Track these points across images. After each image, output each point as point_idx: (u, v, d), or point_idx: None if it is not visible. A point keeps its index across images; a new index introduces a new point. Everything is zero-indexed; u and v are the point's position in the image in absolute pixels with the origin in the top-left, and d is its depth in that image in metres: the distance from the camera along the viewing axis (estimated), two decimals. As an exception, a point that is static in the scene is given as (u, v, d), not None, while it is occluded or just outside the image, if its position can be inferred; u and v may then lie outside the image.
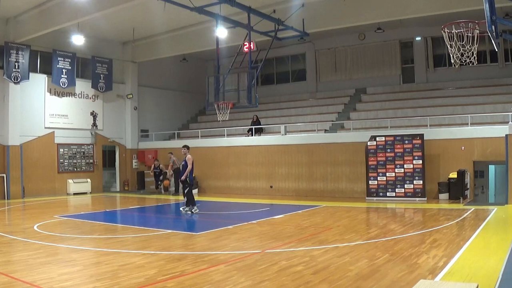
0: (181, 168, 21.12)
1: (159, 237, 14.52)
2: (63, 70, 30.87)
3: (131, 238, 14.41)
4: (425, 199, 23.46)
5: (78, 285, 9.20)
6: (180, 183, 23.62)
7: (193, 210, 20.10)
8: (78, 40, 28.80)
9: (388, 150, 24.47)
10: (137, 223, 17.71)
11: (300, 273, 9.61)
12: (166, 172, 30.76)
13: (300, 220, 17.92)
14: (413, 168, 23.87)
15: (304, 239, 13.64)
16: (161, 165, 31.39)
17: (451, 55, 12.99)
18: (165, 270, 10.09)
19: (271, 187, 28.97)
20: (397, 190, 24.22)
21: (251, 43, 22.97)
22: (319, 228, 15.69)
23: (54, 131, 30.74)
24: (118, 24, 29.63)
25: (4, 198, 27.60)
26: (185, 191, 20.38)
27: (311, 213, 20.10)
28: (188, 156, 20.13)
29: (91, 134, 32.72)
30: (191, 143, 32.36)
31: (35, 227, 16.37)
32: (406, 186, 24.01)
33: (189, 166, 20.04)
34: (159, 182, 31.80)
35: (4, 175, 28.01)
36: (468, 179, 23.04)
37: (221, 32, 24.45)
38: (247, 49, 22.96)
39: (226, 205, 24.68)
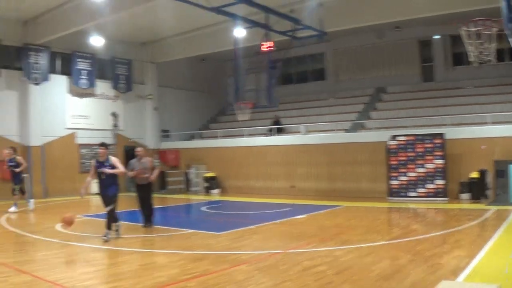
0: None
1: (181, 237, 14.60)
2: (83, 71, 31.09)
3: (152, 237, 14.53)
4: (447, 199, 23.25)
5: (100, 284, 9.31)
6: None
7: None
8: (97, 41, 28.94)
9: (409, 150, 24.33)
10: (159, 222, 17.73)
11: (323, 273, 9.60)
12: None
13: (322, 220, 17.90)
14: (434, 167, 23.70)
15: (326, 239, 13.64)
16: (18, 157, 22.64)
17: (469, 54, 12.95)
18: (187, 269, 10.13)
19: (292, 187, 28.88)
20: (418, 190, 24.04)
21: (270, 43, 22.96)
22: (341, 228, 15.67)
23: (75, 132, 30.93)
24: (137, 25, 29.67)
25: (27, 198, 27.79)
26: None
27: (332, 213, 20.07)
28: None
29: (112, 134, 32.85)
30: (211, 143, 32.53)
31: (57, 227, 16.48)
32: (427, 186, 23.84)
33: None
34: (17, 184, 22.43)
35: (26, 175, 28.21)
36: (489, 178, 22.92)
37: (239, 32, 24.46)
38: (265, 49, 22.95)
39: (247, 205, 24.68)
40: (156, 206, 23.05)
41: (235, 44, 23.59)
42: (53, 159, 29.16)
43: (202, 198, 28.29)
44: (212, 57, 36.64)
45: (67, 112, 30.80)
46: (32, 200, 23.46)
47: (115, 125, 33.13)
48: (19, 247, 13.49)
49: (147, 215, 16.70)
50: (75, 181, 30.04)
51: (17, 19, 28.22)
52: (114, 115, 33.15)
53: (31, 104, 28.64)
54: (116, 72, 33.29)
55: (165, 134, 36.17)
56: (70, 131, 30.75)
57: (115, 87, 33.31)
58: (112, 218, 14.16)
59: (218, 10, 20.75)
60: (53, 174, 29.16)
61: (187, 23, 29.62)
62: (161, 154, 34.70)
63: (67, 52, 30.73)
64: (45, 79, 29.09)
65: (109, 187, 14.16)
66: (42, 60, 28.86)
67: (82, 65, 31.08)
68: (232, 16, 21.92)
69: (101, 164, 14.25)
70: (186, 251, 12.07)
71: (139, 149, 17.00)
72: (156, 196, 28.45)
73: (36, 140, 28.67)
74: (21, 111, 28.74)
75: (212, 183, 31.14)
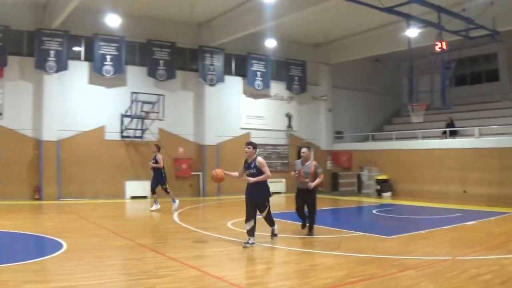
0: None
1: (351, 239, 14.44)
2: (258, 72, 31.84)
3: (322, 238, 14.45)
4: None
5: (267, 282, 9.42)
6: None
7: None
8: (271, 43, 29.55)
9: None
10: (330, 224, 17.72)
11: (488, 282, 9.19)
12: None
13: (491, 227, 17.11)
14: None
15: (494, 247, 13.06)
16: (158, 155, 21.75)
17: None
18: (354, 272, 10.00)
19: (464, 192, 27.98)
20: None
21: (442, 42, 22.39)
22: (510, 236, 15.01)
23: (250, 132, 31.62)
24: (310, 26, 29.86)
25: (200, 196, 28.74)
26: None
27: (503, 220, 19.16)
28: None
29: (286, 135, 33.25)
30: (384, 145, 31.98)
31: (228, 224, 16.91)
32: None
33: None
34: (161, 183, 21.65)
35: (201, 173, 29.19)
36: None
37: (412, 32, 24.03)
38: (438, 49, 22.40)
39: (418, 209, 24.04)
40: (328, 207, 23.08)
41: (408, 45, 23.18)
42: (228, 158, 29.75)
43: (373, 200, 28.04)
44: (385, 57, 36.12)
45: (241, 113, 31.66)
46: (177, 201, 21.88)
47: (289, 126, 33.54)
48: (189, 243, 13.84)
49: (307, 221, 15.06)
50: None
51: (192, 22, 29.51)
52: (289, 116, 33.57)
53: (207, 104, 29.78)
54: (290, 73, 33.75)
55: (338, 135, 36.18)
56: (245, 131, 31.48)
57: (289, 88, 33.75)
58: (269, 222, 13.62)
59: (390, 10, 20.50)
60: (228, 173, 29.72)
61: (360, 24, 29.47)
62: (334, 155, 34.77)
63: (242, 54, 31.61)
64: (221, 80, 30.15)
65: (256, 192, 13.31)
66: (217, 62, 29.96)
67: (256, 66, 31.83)
68: (404, 16, 21.56)
69: (248, 165, 13.62)
70: (354, 253, 11.90)
71: (304, 150, 15.10)
72: (328, 197, 28.63)
73: (211, 139, 29.74)
74: (197, 111, 29.97)
75: (383, 185, 30.72)
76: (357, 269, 10.29)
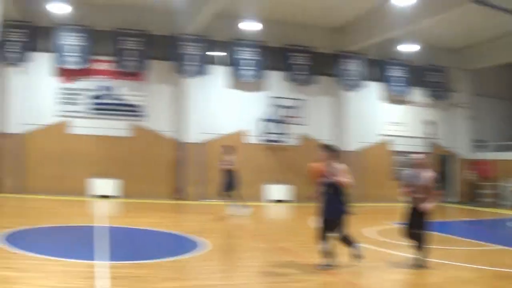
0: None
1: (489, 252, 14.21)
2: (396, 78, 31.50)
3: (460, 250, 14.29)
4: None
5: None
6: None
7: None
8: (410, 48, 29.25)
9: None
10: (467, 235, 17.45)
11: None
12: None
13: None
14: None
15: None
16: (233, 157, 20.44)
17: None
18: (490, 287, 9.88)
19: None
20: None
21: None
22: None
23: (389, 138, 31.48)
24: (449, 30, 29.08)
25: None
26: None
27: None
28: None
29: (425, 142, 32.76)
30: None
31: (363, 232, 16.86)
32: None
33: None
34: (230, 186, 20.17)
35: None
36: None
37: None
38: None
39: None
40: (466, 218, 22.56)
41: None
42: (366, 165, 29.66)
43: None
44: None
45: (381, 119, 31.49)
46: (237, 205, 20.73)
47: (430, 133, 33.05)
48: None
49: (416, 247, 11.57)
50: (383, 187, 30.26)
51: (330, 27, 29.61)
52: (428, 123, 33.13)
53: (345, 110, 29.94)
54: (429, 79, 33.12)
55: (479, 144, 35.28)
56: (384, 138, 31.40)
57: (430, 94, 33.17)
58: (346, 243, 11.22)
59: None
60: (366, 179, 29.49)
61: (499, 28, 28.37)
62: (474, 165, 33.96)
63: (380, 59, 31.40)
64: (359, 85, 30.14)
65: (329, 206, 10.84)
66: (355, 67, 29.96)
67: (395, 72, 31.53)
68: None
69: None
70: (492, 267, 11.67)
71: (418, 156, 11.87)
72: (466, 208, 28.04)
73: (352, 145, 29.72)
74: (335, 116, 30.14)
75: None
76: (493, 284, 10.18)
